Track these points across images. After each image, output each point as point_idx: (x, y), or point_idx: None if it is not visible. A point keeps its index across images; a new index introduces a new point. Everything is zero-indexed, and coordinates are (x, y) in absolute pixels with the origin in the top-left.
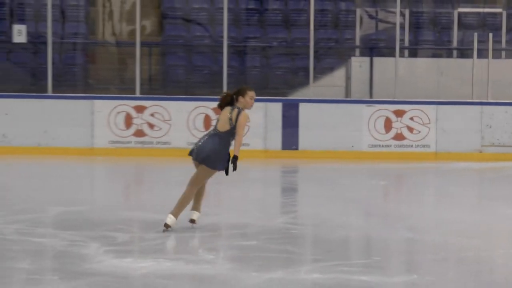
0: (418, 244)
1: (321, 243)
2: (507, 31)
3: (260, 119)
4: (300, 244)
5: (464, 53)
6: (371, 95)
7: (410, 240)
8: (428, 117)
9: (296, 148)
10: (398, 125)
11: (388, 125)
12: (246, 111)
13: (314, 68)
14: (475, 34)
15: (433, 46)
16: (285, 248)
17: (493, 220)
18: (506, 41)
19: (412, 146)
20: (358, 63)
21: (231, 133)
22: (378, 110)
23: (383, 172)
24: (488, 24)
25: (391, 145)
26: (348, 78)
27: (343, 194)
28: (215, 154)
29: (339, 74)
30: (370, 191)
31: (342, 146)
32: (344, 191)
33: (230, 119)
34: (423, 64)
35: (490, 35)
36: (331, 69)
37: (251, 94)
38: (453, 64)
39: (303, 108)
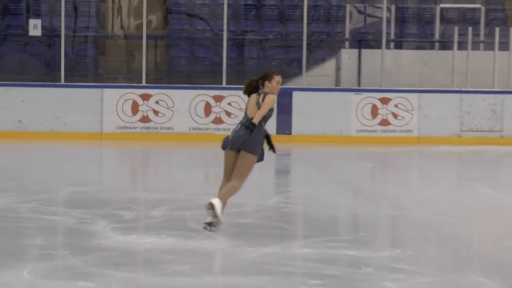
0: (401, 221)
1: (311, 221)
2: (486, 25)
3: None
4: (292, 222)
5: (445, 45)
6: (359, 84)
7: (394, 218)
8: (412, 104)
9: (290, 133)
10: (383, 111)
11: (374, 111)
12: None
13: (307, 59)
14: (456, 28)
15: (417, 39)
16: (279, 225)
17: (472, 199)
18: (485, 34)
19: (396, 131)
20: (348, 55)
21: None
22: (365, 98)
23: (370, 155)
24: (468, 19)
25: (377, 130)
26: (338, 68)
27: (332, 175)
28: (251, 138)
29: (330, 65)
30: (358, 172)
31: (332, 131)
32: (334, 173)
33: (258, 103)
34: (407, 55)
35: (470, 28)
36: (322, 60)
37: (277, 78)
38: (435, 55)
39: (296, 96)
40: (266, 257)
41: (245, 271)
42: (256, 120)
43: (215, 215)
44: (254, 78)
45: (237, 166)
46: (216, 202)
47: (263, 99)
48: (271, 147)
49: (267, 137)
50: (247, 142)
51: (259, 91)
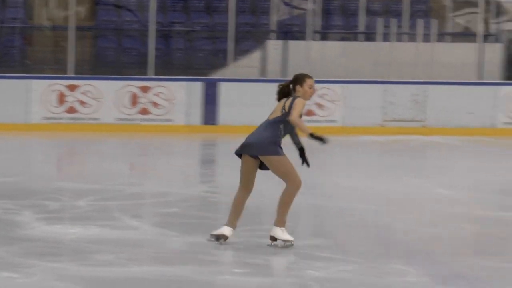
0: (325, 210)
1: None
2: (410, 17)
3: (183, 96)
4: (217, 211)
5: (370, 37)
6: (285, 75)
7: (318, 207)
8: (336, 95)
9: (214, 123)
10: (308, 102)
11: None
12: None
13: (233, 51)
14: (380, 20)
15: (342, 31)
16: (204, 215)
17: (395, 188)
18: (409, 26)
19: (321, 121)
20: (274, 46)
21: (280, 119)
22: None
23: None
24: (392, 11)
25: (302, 120)
26: (264, 59)
27: None
28: (262, 139)
29: (256, 56)
30: None
31: (258, 121)
32: None
33: (284, 108)
34: (333, 47)
35: (393, 20)
36: (249, 51)
37: (309, 82)
38: (360, 47)
39: (222, 86)
40: (192, 246)
41: (171, 261)
42: (306, 130)
43: (283, 241)
44: (285, 84)
45: (276, 174)
46: (274, 232)
47: (291, 102)
48: (305, 161)
49: (301, 150)
50: (258, 144)
51: (291, 95)
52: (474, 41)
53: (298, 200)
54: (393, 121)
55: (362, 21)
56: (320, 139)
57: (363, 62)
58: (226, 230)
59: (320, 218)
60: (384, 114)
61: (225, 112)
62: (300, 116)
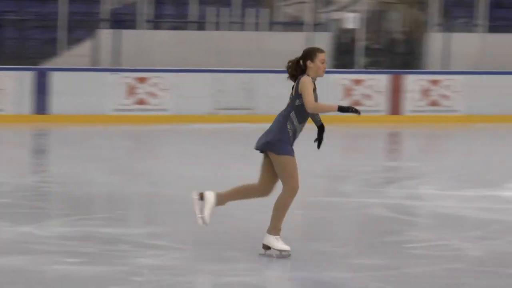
0: (157, 198)
1: (68, 199)
2: (241, 7)
3: (13, 86)
4: (49, 201)
5: (201, 26)
6: (117, 64)
7: (150, 195)
8: (167, 83)
9: (48, 113)
10: (140, 91)
11: (131, 91)
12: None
13: (65, 40)
14: (211, 9)
15: (173, 20)
16: (36, 204)
17: (225, 175)
18: (240, 15)
19: (152, 110)
20: (106, 35)
21: (291, 107)
22: (122, 77)
23: (127, 133)
24: (222, 0)
25: (133, 109)
26: (96, 48)
27: (90, 154)
28: (269, 134)
29: (87, 45)
30: (115, 151)
31: (89, 110)
32: (91, 151)
33: (292, 93)
34: (164, 36)
35: (224, 9)
36: (80, 40)
37: (321, 56)
38: (191, 36)
39: (54, 76)
40: (23, 236)
41: (2, 251)
42: (331, 109)
43: (278, 251)
44: (293, 60)
45: (278, 174)
46: (267, 240)
47: (296, 87)
48: (319, 140)
49: (321, 128)
50: (266, 139)
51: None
52: (303, 30)
53: (131, 188)
54: (223, 109)
55: (193, 10)
56: (351, 110)
57: (194, 51)
58: (207, 193)
59: (151, 206)
60: (215, 103)
61: (57, 101)
62: (315, 92)
